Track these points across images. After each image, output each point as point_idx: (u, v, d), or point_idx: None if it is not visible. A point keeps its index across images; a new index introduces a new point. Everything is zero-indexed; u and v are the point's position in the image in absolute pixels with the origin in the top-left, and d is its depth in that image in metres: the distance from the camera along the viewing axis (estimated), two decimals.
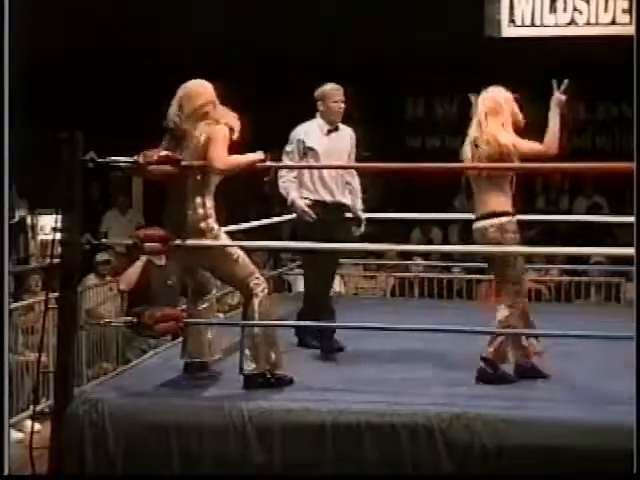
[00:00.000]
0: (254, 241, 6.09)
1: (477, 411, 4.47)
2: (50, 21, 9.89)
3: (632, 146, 3.95)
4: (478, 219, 5.11)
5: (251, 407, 4.58)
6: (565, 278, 9.19)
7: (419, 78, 12.12)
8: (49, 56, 10.56)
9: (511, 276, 5.05)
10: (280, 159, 5.87)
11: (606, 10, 8.22)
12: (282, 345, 5.03)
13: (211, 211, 4.86)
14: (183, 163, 4.78)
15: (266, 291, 4.93)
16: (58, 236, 4.93)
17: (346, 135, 6.11)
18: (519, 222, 5.12)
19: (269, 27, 10.86)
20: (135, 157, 4.75)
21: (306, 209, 5.91)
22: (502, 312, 5.03)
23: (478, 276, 8.74)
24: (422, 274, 9.53)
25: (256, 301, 4.86)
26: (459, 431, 4.38)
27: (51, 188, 5.00)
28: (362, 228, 6.30)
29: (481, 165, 5.07)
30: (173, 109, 4.85)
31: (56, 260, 4.95)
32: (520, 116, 5.12)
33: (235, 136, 4.81)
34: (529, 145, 5.02)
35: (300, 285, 9.30)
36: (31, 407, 6.08)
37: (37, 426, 5.54)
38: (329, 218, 5.94)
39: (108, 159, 4.78)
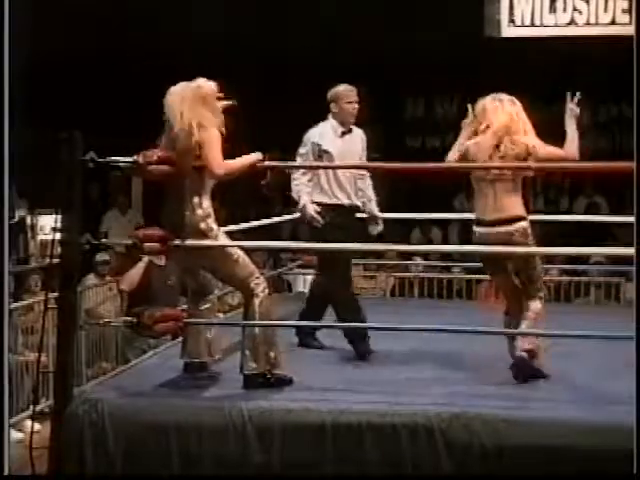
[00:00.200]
0: (254, 241, 6.09)
1: (477, 411, 4.47)
2: (50, 21, 9.88)
3: (632, 146, 3.95)
4: (497, 223, 5.05)
5: (251, 407, 4.57)
6: (565, 278, 9.19)
7: (419, 78, 12.12)
8: (49, 56, 10.55)
9: (536, 276, 5.19)
10: (280, 159, 5.82)
11: (606, 10, 8.21)
12: (282, 345, 5.02)
13: (209, 210, 4.84)
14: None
15: (266, 291, 4.92)
16: (58, 236, 4.92)
17: (358, 137, 6.01)
18: None
19: (269, 27, 10.86)
20: (134, 157, 4.75)
21: (315, 215, 5.83)
22: (535, 304, 5.11)
23: (478, 276, 8.73)
24: (422, 274, 9.54)
25: (256, 301, 4.85)
26: (459, 431, 4.37)
27: (51, 188, 4.99)
28: (380, 226, 6.27)
29: (481, 165, 5.06)
30: (168, 109, 4.83)
31: (56, 260, 4.94)
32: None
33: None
34: (553, 149, 5.03)
35: (300, 285, 9.31)
36: (31, 407, 6.08)
37: (37, 426, 5.54)
38: (346, 221, 5.86)
39: (108, 159, 4.77)
